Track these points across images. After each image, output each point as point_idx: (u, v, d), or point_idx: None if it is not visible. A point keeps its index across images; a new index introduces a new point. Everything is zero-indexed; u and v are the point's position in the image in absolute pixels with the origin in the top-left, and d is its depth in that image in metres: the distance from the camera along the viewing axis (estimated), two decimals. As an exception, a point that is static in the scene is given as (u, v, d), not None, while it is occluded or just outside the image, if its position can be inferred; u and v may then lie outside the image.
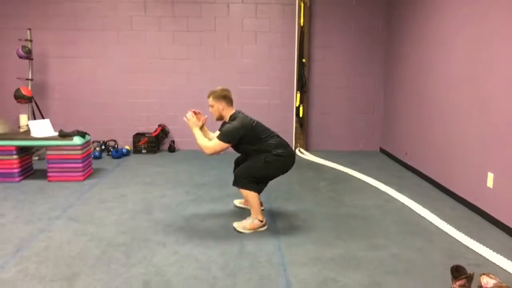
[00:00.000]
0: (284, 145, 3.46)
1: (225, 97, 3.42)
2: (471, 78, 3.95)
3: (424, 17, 5.05)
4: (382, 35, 6.44)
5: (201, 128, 3.50)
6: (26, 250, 2.98)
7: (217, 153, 3.32)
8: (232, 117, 3.40)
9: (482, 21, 3.77)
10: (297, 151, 6.49)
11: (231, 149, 3.47)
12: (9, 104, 6.14)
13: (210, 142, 3.33)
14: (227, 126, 3.35)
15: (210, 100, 3.42)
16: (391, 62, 6.23)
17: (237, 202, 3.99)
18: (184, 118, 3.46)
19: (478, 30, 3.84)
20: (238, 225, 3.38)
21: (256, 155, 3.37)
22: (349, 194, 4.38)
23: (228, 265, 2.80)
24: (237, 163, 3.72)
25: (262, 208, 3.83)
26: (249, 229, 3.34)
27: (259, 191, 3.41)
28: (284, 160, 3.40)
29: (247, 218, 3.42)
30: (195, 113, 3.47)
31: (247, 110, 6.44)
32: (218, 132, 3.44)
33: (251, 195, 3.34)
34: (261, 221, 3.38)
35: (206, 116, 3.57)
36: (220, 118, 3.46)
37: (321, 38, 6.44)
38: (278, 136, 3.49)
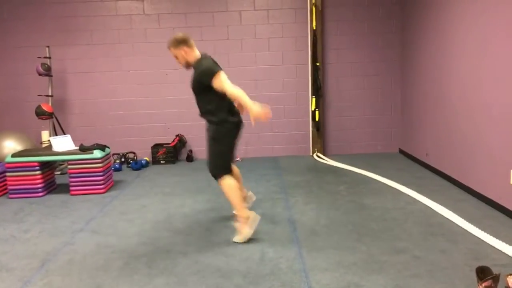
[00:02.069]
0: (236, 111, 3.41)
1: (183, 41, 3.28)
2: (491, 76, 3.88)
3: (438, 16, 4.99)
4: (396, 35, 6.38)
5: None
6: (51, 264, 3.04)
7: (232, 87, 3.16)
8: (199, 59, 3.31)
9: (496, 17, 3.71)
10: (314, 156, 6.46)
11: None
12: (31, 120, 6.29)
13: (229, 90, 3.17)
14: (201, 66, 3.22)
15: (172, 51, 3.31)
16: (407, 61, 6.17)
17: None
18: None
19: (492, 28, 3.77)
20: (237, 238, 3.32)
21: (211, 128, 3.32)
22: (369, 197, 4.34)
23: (249, 272, 2.80)
24: None
25: (254, 198, 3.90)
26: (248, 232, 3.29)
27: (229, 170, 3.38)
28: (235, 128, 3.37)
29: (237, 226, 3.36)
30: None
31: (263, 116, 6.50)
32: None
33: (228, 187, 3.31)
34: (247, 218, 3.29)
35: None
36: (188, 64, 3.36)
37: (334, 41, 6.42)
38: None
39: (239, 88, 3.19)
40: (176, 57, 3.35)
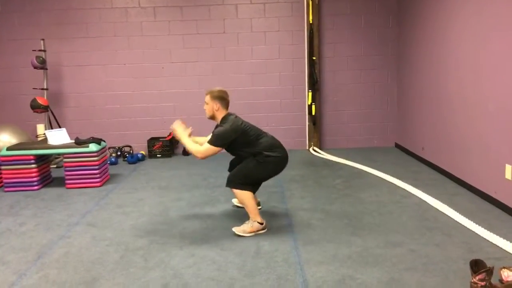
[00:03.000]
0: (277, 146, 3.46)
1: (222, 98, 3.42)
2: (487, 71, 3.89)
3: (434, 10, 4.98)
4: (393, 29, 6.38)
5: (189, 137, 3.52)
6: (47, 257, 3.04)
7: (208, 156, 3.33)
8: (224, 120, 3.41)
9: (493, 12, 3.71)
10: (311, 150, 6.47)
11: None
12: (26, 114, 6.25)
13: (202, 146, 3.34)
14: (218, 129, 3.37)
15: (207, 98, 3.43)
16: (403, 56, 6.17)
17: (236, 202, 3.98)
18: (171, 127, 3.49)
19: (489, 23, 3.78)
20: (237, 229, 3.34)
21: (249, 157, 3.38)
22: (365, 191, 4.35)
23: (245, 265, 2.81)
24: (232, 164, 3.72)
25: (260, 207, 3.84)
26: (249, 232, 3.31)
27: (253, 190, 3.41)
28: (276, 161, 3.40)
29: (246, 222, 3.37)
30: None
31: (259, 110, 6.51)
32: (208, 137, 3.44)
33: (245, 196, 3.32)
34: (261, 224, 3.34)
35: (191, 128, 3.57)
36: (213, 117, 3.47)
37: (331, 35, 6.41)
38: (271, 137, 3.50)
39: (203, 148, 3.34)
40: (206, 104, 3.45)
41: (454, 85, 4.54)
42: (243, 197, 3.34)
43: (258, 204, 3.87)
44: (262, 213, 3.80)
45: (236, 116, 3.46)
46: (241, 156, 3.47)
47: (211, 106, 3.42)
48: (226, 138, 3.32)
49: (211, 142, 3.31)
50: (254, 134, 3.41)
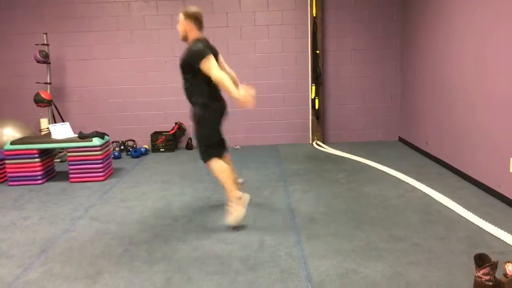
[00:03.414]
0: (221, 97, 3.45)
1: (196, 18, 3.33)
2: (492, 65, 3.86)
3: (438, 3, 4.94)
4: (397, 22, 6.33)
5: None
6: (51, 251, 3.05)
7: (218, 72, 3.16)
8: (195, 40, 3.31)
9: (498, 5, 3.68)
10: (314, 144, 6.46)
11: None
12: (30, 108, 6.27)
13: (212, 76, 3.18)
14: (193, 47, 3.23)
15: (180, 17, 3.35)
16: (407, 49, 6.13)
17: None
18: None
19: (494, 16, 3.74)
20: (230, 220, 3.32)
21: (196, 112, 3.35)
22: (368, 185, 4.34)
23: (248, 259, 2.81)
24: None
25: (241, 181, 3.88)
26: (238, 213, 3.29)
27: (218, 153, 3.44)
28: (218, 113, 3.43)
29: (228, 209, 3.37)
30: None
31: (262, 104, 6.50)
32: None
33: (218, 170, 3.34)
34: (239, 198, 3.31)
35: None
36: (185, 38, 3.39)
37: (334, 28, 6.37)
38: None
39: (225, 75, 3.20)
40: (180, 24, 3.38)
41: (458, 79, 4.51)
42: (218, 171, 3.36)
43: (238, 180, 3.89)
44: (266, 207, 3.80)
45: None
46: (190, 97, 3.41)
47: (184, 26, 3.35)
48: (206, 47, 3.23)
49: (201, 61, 3.15)
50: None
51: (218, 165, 3.39)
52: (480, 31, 4.02)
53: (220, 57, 3.54)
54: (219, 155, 3.49)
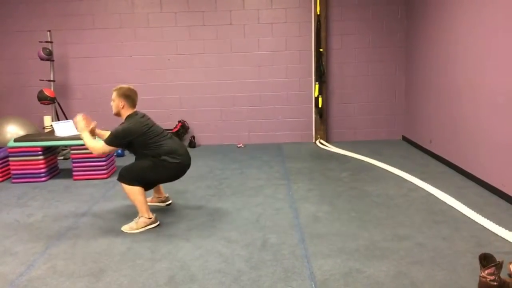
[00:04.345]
0: (179, 152, 3.41)
1: (128, 97, 3.41)
2: (496, 63, 3.84)
3: (443, 1, 4.91)
4: (401, 20, 6.30)
5: (93, 132, 3.55)
6: (54, 248, 3.05)
7: (105, 153, 3.44)
8: (128, 119, 3.39)
9: (503, 4, 3.65)
10: (317, 143, 6.45)
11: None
12: (33, 105, 6.27)
13: (98, 143, 3.39)
14: (116, 128, 3.36)
15: (113, 95, 3.42)
16: (411, 48, 6.11)
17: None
18: (74, 120, 3.53)
19: (499, 14, 3.71)
20: (125, 227, 3.32)
21: (145, 158, 3.35)
22: (372, 184, 4.33)
23: (252, 258, 2.81)
24: None
25: (169, 203, 3.87)
26: (136, 229, 3.29)
27: (145, 188, 3.39)
28: (172, 167, 3.39)
29: (134, 219, 3.36)
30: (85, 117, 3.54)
31: (265, 102, 6.49)
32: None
33: (132, 191, 3.29)
34: (149, 218, 3.32)
35: (95, 122, 3.61)
36: (118, 114, 3.46)
37: (338, 26, 6.35)
38: (177, 143, 3.49)
39: (99, 145, 3.39)
40: (113, 101, 3.46)
41: (462, 77, 4.49)
42: (131, 193, 3.31)
43: (167, 199, 3.89)
44: (269, 206, 3.80)
45: (143, 116, 3.44)
46: (138, 155, 3.45)
47: (116, 104, 3.42)
48: (123, 137, 3.30)
49: (107, 140, 3.32)
50: (155, 137, 3.35)
51: (134, 190, 3.30)
52: (485, 30, 4.00)
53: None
54: (142, 186, 3.38)
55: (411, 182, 4.33)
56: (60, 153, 5.89)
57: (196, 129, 6.62)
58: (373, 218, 3.44)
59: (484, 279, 2.27)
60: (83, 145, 4.68)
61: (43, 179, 4.75)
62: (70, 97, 6.50)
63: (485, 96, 4.04)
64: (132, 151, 3.50)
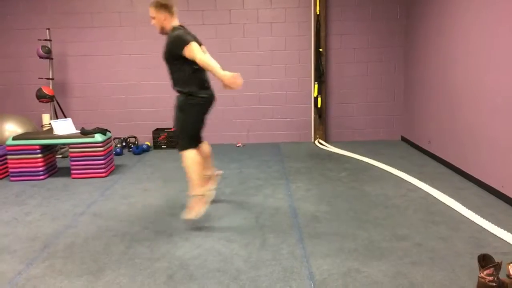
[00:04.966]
0: (208, 84, 3.37)
1: (166, 6, 3.23)
2: (495, 64, 3.84)
3: (443, 2, 4.92)
4: (401, 21, 6.31)
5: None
6: (53, 247, 3.05)
7: (204, 57, 3.09)
8: (174, 28, 3.24)
9: (502, 4, 3.65)
10: (316, 142, 6.45)
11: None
12: (32, 103, 6.26)
13: (197, 59, 3.10)
14: (174, 35, 3.16)
15: (151, 11, 3.24)
16: (411, 48, 6.11)
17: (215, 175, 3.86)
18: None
19: (498, 15, 3.72)
20: (188, 215, 3.31)
21: (181, 101, 3.27)
22: (370, 184, 4.33)
23: (250, 257, 2.81)
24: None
25: (220, 172, 3.83)
26: (199, 210, 3.27)
27: (196, 143, 3.38)
28: (204, 104, 3.34)
29: (189, 204, 3.35)
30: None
31: (265, 102, 6.49)
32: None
33: (190, 161, 3.26)
34: (201, 196, 3.28)
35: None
36: (163, 30, 3.32)
37: (338, 26, 6.35)
38: (205, 72, 3.35)
39: (210, 57, 3.15)
40: (153, 18, 3.28)
41: (461, 78, 4.50)
42: (189, 163, 3.28)
43: (217, 175, 3.83)
44: (267, 206, 3.79)
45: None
46: (177, 84, 3.31)
47: (158, 18, 3.25)
48: (187, 34, 3.17)
49: (185, 47, 3.09)
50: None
51: (191, 156, 3.29)
52: (485, 30, 4.00)
53: (203, 47, 3.42)
54: (196, 146, 3.40)
55: (410, 183, 4.34)
56: (58, 152, 5.88)
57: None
58: (372, 218, 3.44)
59: (482, 280, 2.28)
60: (81, 143, 4.68)
61: (42, 177, 4.75)
62: (69, 96, 6.49)
63: (484, 96, 4.04)
64: (177, 72, 3.27)
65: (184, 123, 3.32)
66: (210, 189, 3.42)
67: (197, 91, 3.29)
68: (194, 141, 3.38)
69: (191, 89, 3.26)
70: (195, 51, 3.11)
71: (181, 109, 3.30)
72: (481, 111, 4.10)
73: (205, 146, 3.67)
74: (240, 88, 3.14)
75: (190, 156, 3.30)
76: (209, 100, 3.39)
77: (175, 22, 3.32)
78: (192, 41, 3.14)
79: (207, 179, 3.67)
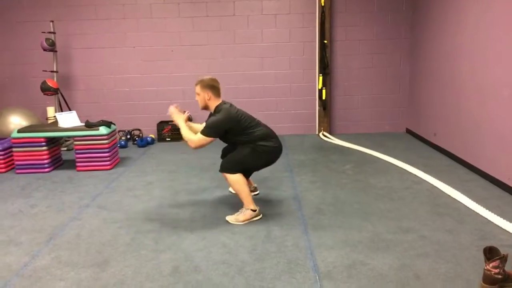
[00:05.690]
0: (272, 136, 3.40)
1: (213, 87, 3.33)
2: (502, 56, 3.80)
3: (450, -9, 4.87)
4: (406, 12, 6.25)
5: (185, 122, 3.45)
6: (58, 238, 3.06)
7: (202, 146, 3.27)
8: (218, 109, 3.32)
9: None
10: (321, 135, 6.43)
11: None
12: (36, 96, 6.27)
13: (195, 135, 3.27)
14: (211, 119, 3.30)
15: (197, 88, 3.35)
16: (416, 39, 6.06)
17: (232, 189, 3.90)
18: (168, 111, 3.46)
19: (506, 7, 3.67)
20: (230, 218, 3.30)
21: (243, 146, 3.32)
22: (375, 177, 4.32)
23: (255, 249, 2.81)
24: (224, 152, 3.67)
25: (257, 193, 3.84)
26: (242, 221, 3.26)
27: (244, 176, 3.38)
28: (270, 151, 3.36)
29: (240, 210, 3.33)
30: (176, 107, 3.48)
31: (269, 94, 6.46)
32: (204, 124, 3.37)
33: (237, 181, 3.27)
34: (254, 211, 3.29)
35: (188, 112, 3.54)
36: (206, 108, 3.40)
37: (343, 18, 6.30)
38: (266, 127, 3.44)
39: (196, 137, 3.27)
40: (198, 95, 3.38)
41: (467, 70, 4.45)
42: (235, 182, 3.28)
43: (255, 189, 3.87)
44: (272, 198, 3.80)
45: (231, 105, 3.37)
46: (235, 144, 3.42)
47: (202, 96, 3.34)
48: (220, 128, 3.25)
49: (204, 132, 3.23)
50: (249, 123, 3.31)
51: (236, 177, 3.29)
52: (491, 22, 3.96)
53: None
54: (241, 173, 3.38)
55: (415, 175, 4.32)
56: (63, 144, 5.90)
57: (199, 121, 6.56)
58: (377, 210, 3.43)
59: (488, 272, 2.27)
60: (86, 136, 4.69)
61: (47, 170, 4.76)
62: (73, 88, 6.49)
63: (490, 88, 4.00)
64: (227, 140, 3.48)
65: (240, 155, 3.32)
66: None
67: (263, 142, 3.33)
68: (240, 171, 3.34)
69: (255, 144, 3.31)
70: (201, 139, 3.25)
71: (246, 147, 3.32)
72: (487, 104, 4.06)
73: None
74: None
75: (235, 177, 3.29)
76: (277, 149, 3.43)
77: (218, 101, 3.38)
78: (212, 135, 3.24)
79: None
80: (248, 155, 3.30)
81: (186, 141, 3.31)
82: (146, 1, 6.27)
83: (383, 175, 4.37)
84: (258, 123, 3.40)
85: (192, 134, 3.32)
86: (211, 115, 3.42)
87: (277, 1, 6.27)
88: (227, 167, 3.30)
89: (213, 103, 3.36)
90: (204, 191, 4.05)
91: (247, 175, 3.56)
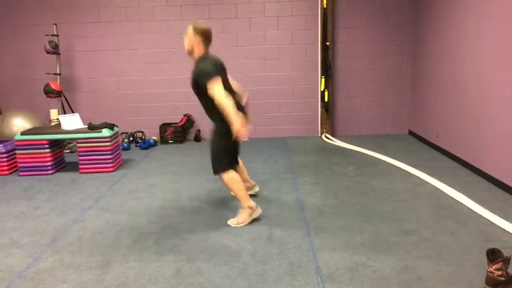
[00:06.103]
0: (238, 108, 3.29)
1: (206, 36, 3.26)
2: (504, 57, 3.79)
3: (452, -7, 4.87)
4: (409, 14, 6.24)
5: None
6: (61, 240, 3.07)
7: (223, 94, 3.07)
8: (202, 57, 3.25)
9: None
10: (323, 137, 6.43)
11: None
12: (40, 99, 6.29)
13: (222, 103, 3.07)
14: (199, 67, 3.18)
15: (189, 31, 3.26)
16: (419, 41, 6.05)
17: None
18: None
19: (508, 8, 3.66)
20: (232, 222, 3.30)
21: (215, 115, 3.22)
22: (377, 178, 4.31)
23: (257, 251, 2.81)
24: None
25: (256, 191, 3.84)
26: (243, 223, 3.26)
27: (234, 168, 3.38)
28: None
29: (239, 212, 3.33)
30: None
31: (271, 96, 6.47)
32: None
33: (231, 179, 3.28)
34: (251, 207, 3.27)
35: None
36: (191, 53, 3.33)
37: (345, 19, 6.30)
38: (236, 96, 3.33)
39: (230, 100, 3.11)
40: (187, 37, 3.30)
41: (470, 71, 4.45)
42: (230, 180, 3.29)
43: (254, 186, 3.86)
44: (274, 200, 3.79)
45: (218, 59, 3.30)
46: (208, 110, 3.30)
47: (191, 40, 3.25)
48: (212, 68, 3.13)
49: (208, 81, 3.08)
50: (227, 85, 3.24)
51: (231, 176, 3.31)
52: (494, 23, 3.95)
53: (227, 74, 3.45)
54: (232, 167, 3.40)
55: (418, 177, 4.31)
56: (66, 146, 5.92)
57: (202, 123, 6.61)
58: (379, 212, 3.43)
59: (491, 274, 2.26)
60: (89, 138, 4.71)
61: (50, 172, 4.78)
62: (76, 91, 6.51)
63: (492, 90, 4.00)
64: (206, 101, 3.26)
65: (220, 147, 3.32)
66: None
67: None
68: (231, 161, 3.38)
69: (221, 116, 3.19)
70: (215, 90, 3.09)
71: (218, 133, 3.30)
72: (490, 105, 4.05)
73: (240, 162, 3.70)
74: (244, 140, 3.21)
75: (229, 176, 3.31)
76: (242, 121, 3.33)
77: (206, 52, 3.33)
78: (214, 75, 3.12)
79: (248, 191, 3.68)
80: (221, 141, 3.27)
81: (223, 107, 3.09)
82: (149, 3, 6.29)
83: (386, 177, 4.36)
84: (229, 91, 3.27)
85: (228, 107, 3.08)
86: (195, 67, 3.28)
87: (279, 3, 6.28)
88: (218, 166, 3.32)
89: (199, 51, 3.28)
90: (206, 193, 4.05)
91: (236, 161, 3.54)
